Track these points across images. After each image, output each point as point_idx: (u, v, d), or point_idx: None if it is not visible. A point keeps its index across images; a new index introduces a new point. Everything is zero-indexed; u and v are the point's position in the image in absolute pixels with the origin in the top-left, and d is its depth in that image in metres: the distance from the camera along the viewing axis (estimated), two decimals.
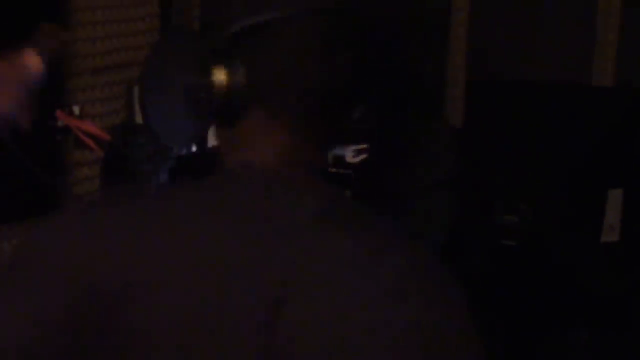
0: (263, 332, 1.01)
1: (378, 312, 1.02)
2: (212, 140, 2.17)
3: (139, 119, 1.87)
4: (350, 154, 2.21)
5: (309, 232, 1.09)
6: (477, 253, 2.47)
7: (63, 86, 2.20)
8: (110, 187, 1.75)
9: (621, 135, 2.41)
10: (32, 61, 1.66)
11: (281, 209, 1.12)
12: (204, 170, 2.15)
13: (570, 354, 2.41)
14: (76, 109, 1.79)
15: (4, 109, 1.62)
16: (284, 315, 1.01)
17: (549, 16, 2.65)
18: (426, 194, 2.16)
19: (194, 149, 1.97)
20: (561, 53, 2.64)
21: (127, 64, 2.44)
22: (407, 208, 2.13)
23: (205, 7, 2.82)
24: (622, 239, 2.39)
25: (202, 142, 2.10)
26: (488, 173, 2.45)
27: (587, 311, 2.39)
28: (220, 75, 1.22)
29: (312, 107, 1.21)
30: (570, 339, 2.40)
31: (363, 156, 2.21)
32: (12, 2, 2.06)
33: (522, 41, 2.68)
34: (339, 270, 1.05)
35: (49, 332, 1.08)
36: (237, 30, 1.20)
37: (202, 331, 1.05)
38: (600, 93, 2.57)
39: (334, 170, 2.19)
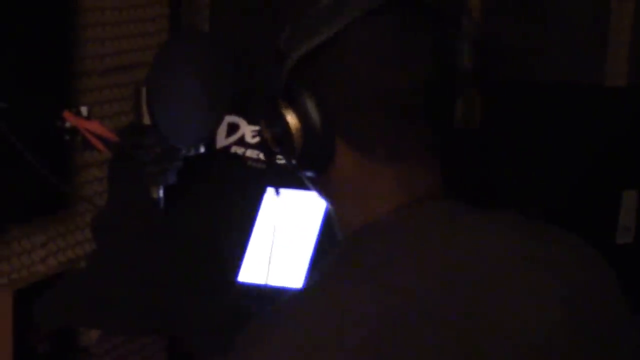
0: None
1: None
2: (220, 141, 2.16)
3: (147, 120, 1.86)
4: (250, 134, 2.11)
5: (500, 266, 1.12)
6: None
7: (71, 87, 2.19)
8: (117, 187, 1.73)
9: (635, 136, 2.39)
10: None
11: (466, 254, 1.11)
12: (212, 171, 2.13)
13: None
14: (84, 110, 1.77)
15: None
16: None
17: (561, 16, 2.64)
18: None
19: (202, 149, 1.96)
20: (574, 53, 2.63)
21: (137, 65, 2.43)
22: None
23: (215, 9, 2.81)
24: (636, 240, 2.37)
25: (210, 143, 2.09)
26: (499, 174, 2.43)
27: None
28: (291, 120, 1.03)
29: (401, 122, 1.06)
30: None
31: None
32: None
33: (534, 41, 2.66)
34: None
35: None
36: (289, 63, 1.04)
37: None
38: (613, 93, 2.56)
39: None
